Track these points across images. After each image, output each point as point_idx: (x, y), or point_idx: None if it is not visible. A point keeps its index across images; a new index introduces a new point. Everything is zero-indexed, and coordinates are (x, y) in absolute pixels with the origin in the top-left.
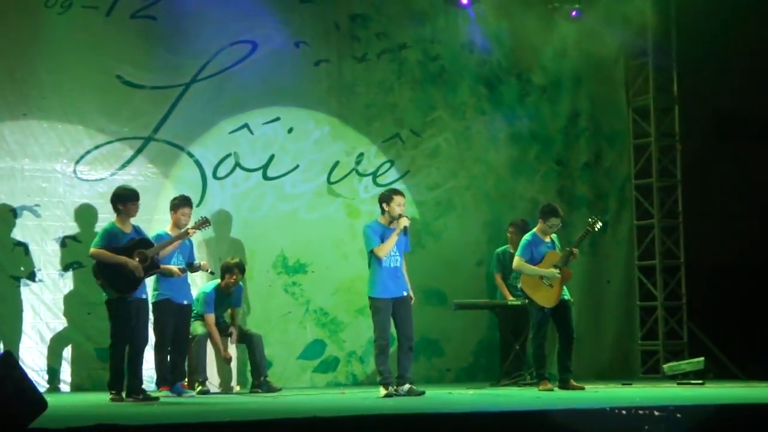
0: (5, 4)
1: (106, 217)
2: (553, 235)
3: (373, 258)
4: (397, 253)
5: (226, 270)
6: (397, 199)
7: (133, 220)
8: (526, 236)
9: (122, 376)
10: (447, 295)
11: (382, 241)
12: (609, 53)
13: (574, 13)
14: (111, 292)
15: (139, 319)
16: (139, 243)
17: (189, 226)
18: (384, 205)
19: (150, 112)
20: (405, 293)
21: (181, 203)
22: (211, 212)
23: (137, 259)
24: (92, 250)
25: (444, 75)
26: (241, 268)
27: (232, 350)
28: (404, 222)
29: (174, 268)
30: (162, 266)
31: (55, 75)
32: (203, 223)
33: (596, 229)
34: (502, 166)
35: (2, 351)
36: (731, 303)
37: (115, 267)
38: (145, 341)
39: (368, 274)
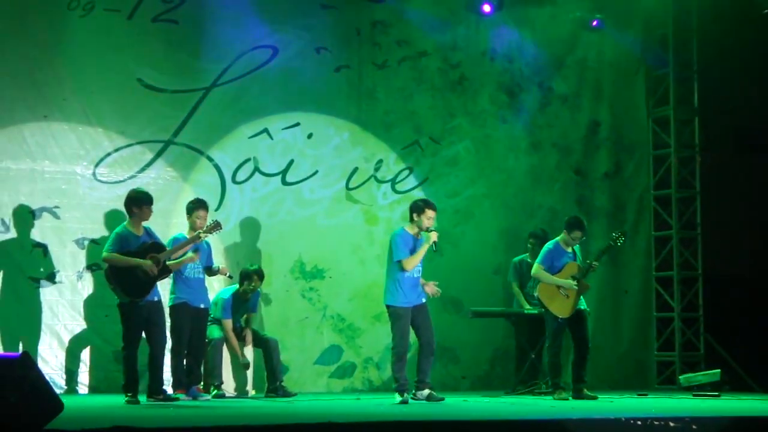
0: (27, 5)
1: (125, 221)
2: (576, 247)
3: (397, 268)
4: (420, 264)
5: (245, 276)
6: (429, 212)
7: (151, 224)
8: (548, 245)
9: (135, 379)
10: (464, 302)
11: (411, 253)
12: (630, 64)
13: (595, 22)
14: (123, 296)
15: (154, 321)
16: (152, 247)
17: (200, 230)
18: (414, 215)
19: (170, 116)
20: (423, 300)
21: (195, 206)
22: (229, 216)
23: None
24: (105, 255)
25: (464, 82)
26: (260, 275)
27: (249, 355)
28: (434, 237)
29: (189, 255)
30: (176, 261)
31: (76, 77)
32: (215, 227)
33: (619, 245)
34: (521, 174)
35: (20, 352)
36: (748, 315)
37: (127, 271)
38: (164, 343)
39: (386, 281)
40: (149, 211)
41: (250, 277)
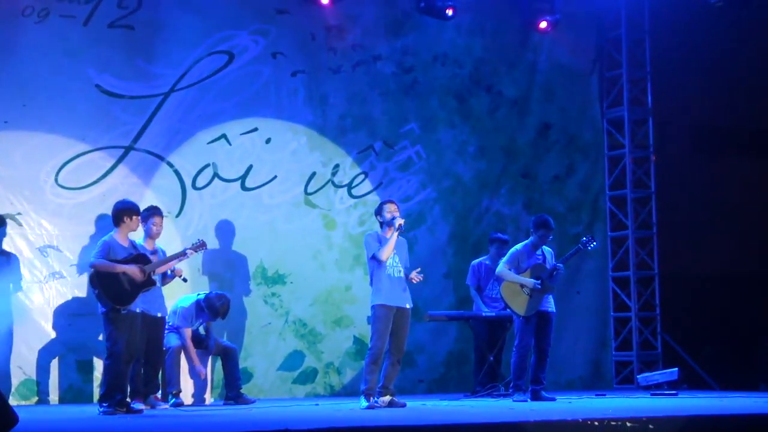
0: None
1: (88, 227)
2: (548, 250)
3: (375, 265)
4: (399, 263)
5: (215, 312)
6: (387, 206)
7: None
8: (517, 246)
9: (117, 390)
10: (417, 306)
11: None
12: (583, 65)
13: (543, 25)
14: (106, 303)
15: (151, 336)
16: (138, 258)
17: (187, 247)
18: (378, 218)
19: (129, 122)
20: (408, 306)
21: (151, 213)
22: (190, 222)
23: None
24: (92, 260)
25: (416, 87)
26: (226, 311)
27: (207, 362)
28: (399, 221)
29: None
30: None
31: (35, 83)
32: (200, 246)
33: (588, 249)
34: (469, 179)
35: None
36: (705, 313)
37: (112, 278)
38: (135, 354)
39: (372, 285)
40: (138, 222)
41: (217, 313)
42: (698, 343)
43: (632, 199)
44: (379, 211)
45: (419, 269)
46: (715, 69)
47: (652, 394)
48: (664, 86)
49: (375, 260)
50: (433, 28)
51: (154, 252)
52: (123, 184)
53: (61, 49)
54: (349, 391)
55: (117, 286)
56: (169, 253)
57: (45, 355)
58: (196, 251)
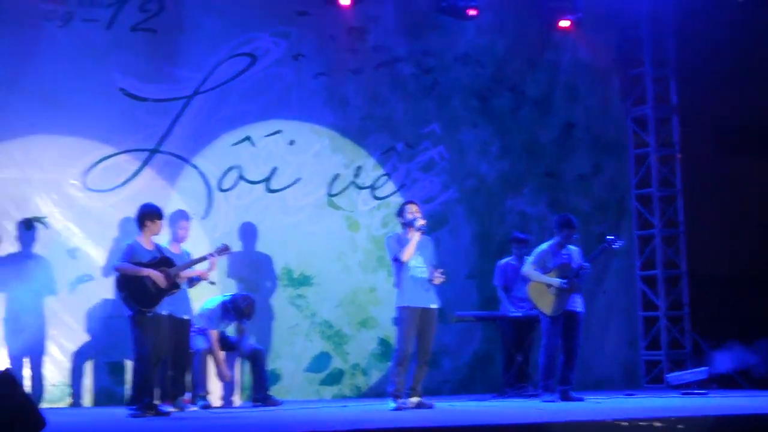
0: (7, 17)
1: (115, 229)
2: (574, 249)
3: (398, 266)
4: (423, 264)
5: (240, 313)
6: (408, 207)
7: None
8: (543, 245)
9: (146, 392)
10: (441, 307)
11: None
12: (605, 64)
13: (565, 23)
14: (133, 306)
15: (178, 339)
16: (162, 261)
17: (210, 251)
18: (399, 219)
19: (154, 125)
20: (434, 306)
21: (178, 217)
22: (216, 224)
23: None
24: (117, 264)
25: (437, 87)
26: (251, 312)
27: (232, 366)
28: (419, 221)
29: (201, 269)
30: (187, 272)
31: (60, 87)
32: (224, 249)
33: (614, 248)
34: (492, 179)
35: (2, 370)
36: (733, 312)
37: (137, 281)
38: (163, 357)
39: (396, 286)
40: (162, 225)
41: (243, 315)
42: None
43: (658, 198)
44: (400, 213)
45: (442, 270)
46: (740, 66)
47: (682, 394)
48: (688, 84)
49: (397, 262)
50: (454, 28)
51: (180, 256)
52: (149, 187)
53: (85, 53)
54: (375, 393)
55: (142, 289)
56: (194, 256)
57: (76, 357)
58: (219, 255)
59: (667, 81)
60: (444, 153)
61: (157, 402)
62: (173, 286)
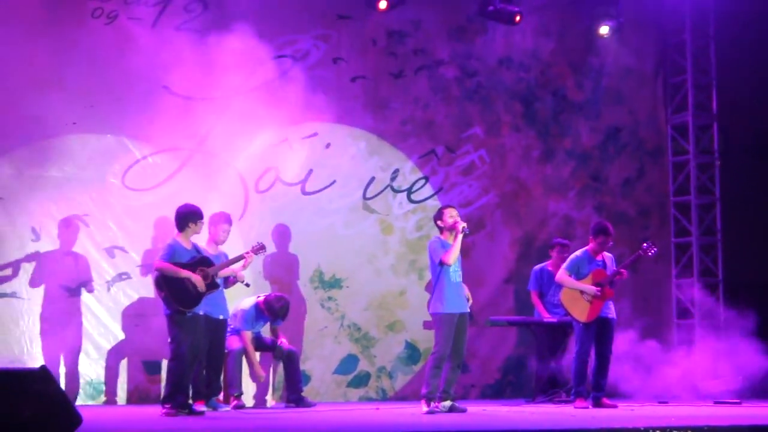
0: (53, 15)
1: (153, 228)
2: (608, 255)
3: (441, 272)
4: (459, 268)
5: (274, 314)
6: (448, 211)
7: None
8: (577, 252)
9: (180, 391)
10: (474, 312)
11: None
12: (647, 70)
13: (605, 30)
14: (173, 306)
15: (214, 339)
16: (201, 261)
17: (246, 251)
18: (438, 223)
19: (195, 124)
20: (467, 310)
21: (220, 220)
22: (252, 226)
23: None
24: (157, 263)
25: (480, 91)
26: (286, 314)
27: (265, 366)
28: (462, 224)
29: (237, 268)
30: (225, 270)
31: (104, 85)
32: (260, 248)
33: (649, 255)
34: (534, 183)
35: (39, 366)
36: None
37: (178, 281)
38: (198, 357)
39: (432, 291)
40: (200, 226)
41: (276, 315)
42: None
43: (696, 205)
44: (439, 217)
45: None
46: None
47: (715, 403)
48: (728, 92)
49: (442, 265)
50: (497, 32)
51: (218, 257)
52: (187, 187)
53: (129, 51)
54: (400, 396)
55: (182, 289)
56: (230, 257)
57: (112, 355)
58: (255, 254)
59: (708, 88)
60: (485, 156)
61: (190, 401)
62: (212, 286)
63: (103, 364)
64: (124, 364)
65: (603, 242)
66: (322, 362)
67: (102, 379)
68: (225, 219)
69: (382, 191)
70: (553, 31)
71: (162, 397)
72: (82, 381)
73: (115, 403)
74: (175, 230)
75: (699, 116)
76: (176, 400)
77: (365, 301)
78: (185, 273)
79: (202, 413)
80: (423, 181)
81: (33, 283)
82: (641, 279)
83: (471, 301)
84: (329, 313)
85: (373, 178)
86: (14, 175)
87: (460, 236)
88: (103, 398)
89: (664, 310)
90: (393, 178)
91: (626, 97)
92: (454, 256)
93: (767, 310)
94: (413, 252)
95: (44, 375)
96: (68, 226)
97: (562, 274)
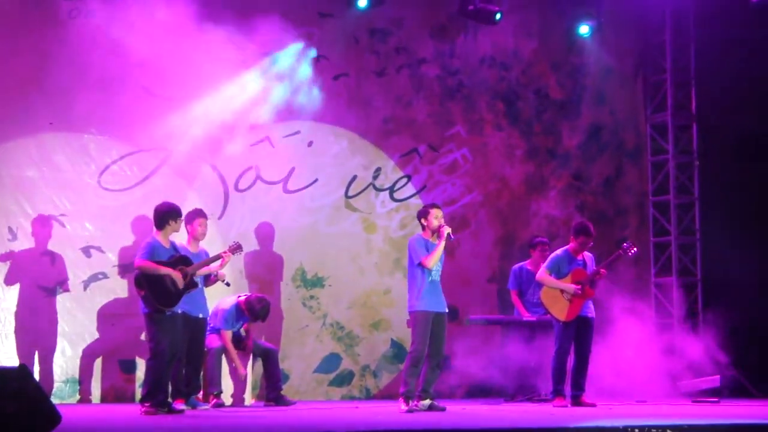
0: (30, 15)
1: (130, 228)
2: (588, 255)
3: (419, 271)
4: (440, 267)
5: (255, 314)
6: (434, 211)
7: None
8: (558, 251)
9: (159, 390)
10: (459, 310)
11: (428, 252)
12: (627, 69)
13: (585, 29)
14: (152, 304)
15: (194, 338)
16: (180, 260)
17: (222, 250)
18: (422, 221)
19: (173, 123)
20: (445, 310)
21: (195, 215)
22: (232, 224)
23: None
24: (138, 261)
25: (462, 90)
26: (266, 315)
27: (247, 364)
28: (447, 229)
29: (214, 267)
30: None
31: (80, 85)
32: (236, 248)
33: (629, 255)
34: (517, 182)
35: (18, 364)
36: (747, 320)
37: (158, 279)
38: (178, 355)
39: (408, 289)
40: (179, 225)
41: (257, 316)
42: (740, 351)
43: (675, 205)
44: (424, 215)
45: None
46: (759, 75)
47: (693, 401)
48: (708, 92)
49: (421, 267)
50: (479, 31)
51: (199, 254)
52: (166, 186)
53: (107, 50)
54: (385, 395)
55: (162, 287)
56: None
57: (87, 354)
58: (233, 253)
59: (687, 88)
60: (468, 155)
61: (170, 400)
62: (191, 284)
63: (79, 363)
64: (99, 363)
65: (584, 242)
66: (303, 361)
67: (77, 377)
68: (199, 213)
69: (364, 190)
70: (534, 31)
71: (141, 395)
72: (56, 380)
73: (89, 401)
74: (154, 229)
75: (678, 116)
76: (156, 399)
77: (348, 300)
78: (165, 270)
79: (181, 411)
80: (405, 180)
81: (9, 281)
82: (620, 278)
83: None
84: (311, 311)
85: (355, 177)
86: None
87: (444, 242)
88: (77, 397)
89: (642, 310)
90: (375, 177)
91: (607, 97)
92: (434, 261)
93: (745, 309)
94: (397, 250)
95: (23, 373)
96: (45, 226)
97: (542, 273)
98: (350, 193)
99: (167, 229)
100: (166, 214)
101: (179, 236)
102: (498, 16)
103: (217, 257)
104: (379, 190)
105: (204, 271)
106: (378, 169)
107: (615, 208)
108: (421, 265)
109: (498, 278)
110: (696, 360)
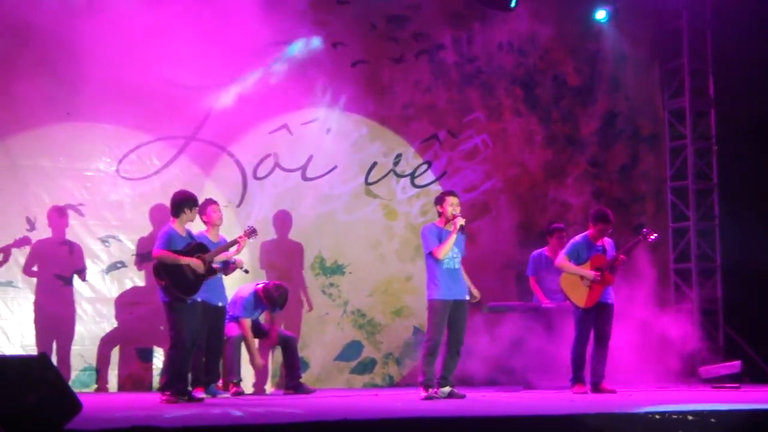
0: (44, 6)
1: (147, 218)
2: (608, 241)
3: (432, 260)
4: (458, 254)
5: (273, 302)
6: (450, 199)
7: None
8: (577, 237)
9: (180, 379)
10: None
11: (440, 242)
12: (644, 55)
13: (602, 14)
14: (173, 293)
15: (214, 326)
16: (197, 248)
17: (238, 235)
18: (438, 208)
19: (191, 112)
20: (466, 297)
21: (207, 204)
22: (251, 212)
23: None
24: (156, 251)
25: (480, 76)
26: (284, 302)
27: (264, 353)
28: (460, 221)
29: (231, 252)
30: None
31: (97, 74)
32: (252, 232)
33: (649, 240)
34: (536, 168)
35: (38, 353)
36: (767, 306)
37: (177, 268)
38: (197, 343)
39: (426, 277)
40: (195, 213)
41: (275, 304)
42: (760, 336)
43: (694, 191)
44: (440, 202)
45: (477, 297)
46: None
47: (713, 387)
48: (726, 77)
49: (432, 256)
50: (496, 17)
51: (219, 243)
52: (184, 175)
53: (124, 40)
54: (409, 382)
55: (182, 276)
56: None
57: (105, 343)
58: (248, 237)
59: (704, 73)
60: (488, 141)
61: (189, 388)
62: (210, 271)
63: (96, 352)
64: (116, 352)
65: (602, 229)
66: (323, 349)
67: (94, 366)
68: (209, 201)
69: (385, 176)
70: (551, 17)
71: (161, 384)
72: (74, 368)
73: (106, 390)
74: (171, 217)
75: (696, 101)
76: (176, 387)
77: (369, 287)
78: (185, 259)
79: (201, 400)
80: (426, 166)
81: (27, 272)
82: (639, 264)
83: (477, 296)
84: (331, 299)
85: (375, 163)
86: (9, 165)
87: (456, 233)
88: (94, 386)
89: (662, 295)
90: (396, 163)
91: (623, 83)
92: (445, 252)
93: (765, 295)
94: (418, 237)
95: (44, 362)
96: (62, 216)
97: (561, 259)
98: (370, 180)
99: (183, 217)
100: (182, 202)
101: (198, 227)
102: (513, 2)
103: (234, 242)
104: (400, 176)
105: (221, 257)
106: (398, 155)
107: (631, 194)
108: (432, 255)
109: (516, 264)
110: (716, 345)
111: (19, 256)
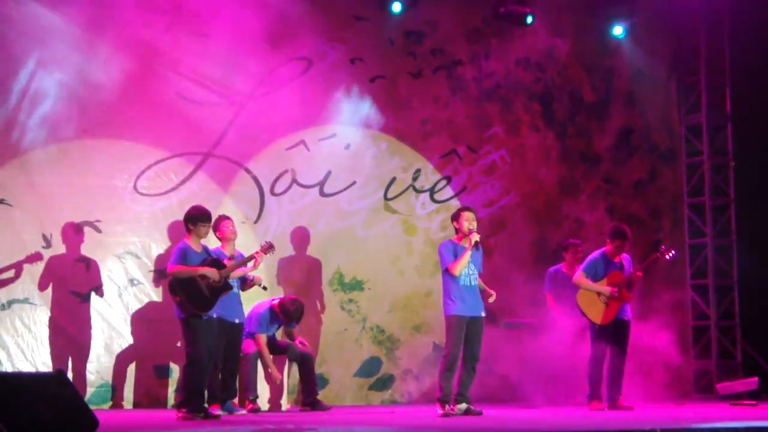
0: (67, 20)
1: (166, 234)
2: (625, 257)
3: (448, 276)
4: (474, 271)
5: (289, 317)
6: (465, 215)
7: None
8: (594, 254)
9: (196, 395)
10: (496, 313)
11: (456, 258)
12: (661, 71)
13: (618, 30)
14: (188, 308)
15: (232, 343)
16: (212, 263)
17: (255, 250)
18: (454, 223)
19: (208, 128)
20: (482, 314)
21: (220, 220)
22: (268, 228)
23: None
24: (170, 267)
25: (499, 91)
26: (300, 317)
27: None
28: (475, 237)
29: (248, 268)
30: (237, 271)
31: (115, 91)
32: (269, 248)
33: (667, 258)
34: (551, 184)
35: (55, 370)
36: None
37: (192, 283)
38: (214, 360)
39: (443, 293)
40: (208, 229)
41: (291, 318)
42: None
43: (711, 207)
44: (456, 218)
45: (493, 295)
46: None
47: (731, 404)
48: (742, 92)
49: (448, 273)
50: (513, 32)
51: (233, 257)
52: (201, 191)
53: (141, 56)
54: (428, 399)
55: (197, 292)
56: None
57: (122, 360)
58: (265, 253)
59: (722, 89)
60: (506, 156)
61: (206, 405)
62: (225, 287)
63: (112, 369)
64: (133, 369)
65: (620, 246)
66: (342, 365)
67: (110, 383)
68: (222, 217)
69: (404, 191)
70: (567, 33)
71: (178, 401)
72: (90, 385)
73: (122, 407)
74: (185, 233)
75: (713, 117)
76: (192, 404)
77: (389, 303)
78: (200, 269)
79: (217, 417)
80: (445, 182)
81: (44, 288)
82: (656, 281)
83: (492, 293)
84: (350, 315)
85: (394, 179)
86: (26, 182)
87: (471, 249)
88: (110, 402)
89: (679, 312)
90: (415, 178)
91: (639, 99)
92: (461, 268)
93: None
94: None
95: (60, 378)
96: (78, 232)
97: (579, 276)
98: (389, 195)
99: (196, 233)
100: (194, 218)
101: (214, 244)
102: (529, 19)
103: (250, 258)
104: (419, 191)
105: (239, 273)
106: (418, 170)
107: (647, 210)
108: (448, 271)
109: (531, 280)
110: (733, 362)
111: (35, 273)
